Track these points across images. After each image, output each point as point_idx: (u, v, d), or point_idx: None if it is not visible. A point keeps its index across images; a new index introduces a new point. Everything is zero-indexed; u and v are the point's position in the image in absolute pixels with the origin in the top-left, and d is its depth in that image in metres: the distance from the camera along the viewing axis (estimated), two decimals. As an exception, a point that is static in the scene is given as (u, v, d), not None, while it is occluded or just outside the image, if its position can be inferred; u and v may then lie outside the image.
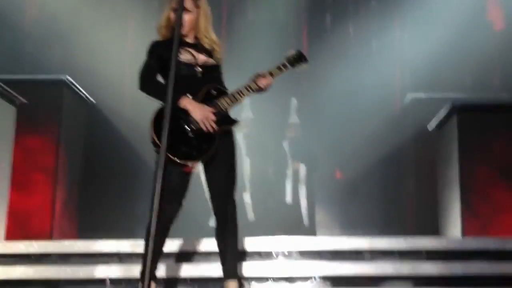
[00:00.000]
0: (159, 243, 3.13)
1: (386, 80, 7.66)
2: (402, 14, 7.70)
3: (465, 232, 4.89)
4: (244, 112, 6.81)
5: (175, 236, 3.53)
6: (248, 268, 3.79)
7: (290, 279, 3.82)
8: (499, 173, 4.96)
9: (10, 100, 4.75)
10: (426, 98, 6.38)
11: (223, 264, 3.20)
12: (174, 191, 3.13)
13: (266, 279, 3.80)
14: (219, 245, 3.23)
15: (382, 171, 7.45)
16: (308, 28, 8.06)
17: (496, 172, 4.96)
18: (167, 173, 2.60)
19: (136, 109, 7.22)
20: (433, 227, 5.71)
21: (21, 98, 4.79)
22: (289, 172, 6.87)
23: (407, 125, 6.81)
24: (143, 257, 3.08)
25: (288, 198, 6.80)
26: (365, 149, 7.45)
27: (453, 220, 5.21)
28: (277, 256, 4.04)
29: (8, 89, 4.62)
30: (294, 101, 7.11)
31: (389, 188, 7.29)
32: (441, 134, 5.69)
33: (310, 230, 6.68)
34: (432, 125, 5.79)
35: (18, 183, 4.95)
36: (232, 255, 3.20)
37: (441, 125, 5.65)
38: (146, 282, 2.55)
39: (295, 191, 6.83)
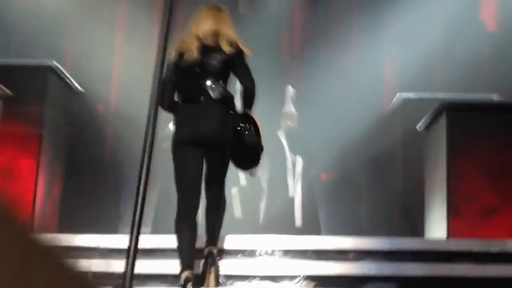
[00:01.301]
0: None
1: (377, 80, 7.64)
2: (394, 13, 7.66)
3: (450, 234, 4.84)
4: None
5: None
6: (231, 266, 3.75)
7: (274, 278, 3.79)
8: (487, 175, 4.92)
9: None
10: (416, 98, 6.34)
11: (208, 233, 3.52)
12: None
13: (250, 277, 3.76)
14: (207, 219, 3.53)
15: (370, 172, 7.45)
16: (299, 30, 8.02)
17: (484, 173, 4.92)
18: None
19: (124, 100, 7.18)
20: (420, 229, 5.68)
21: (7, 90, 4.69)
22: (289, 165, 6.70)
23: (396, 125, 6.78)
24: (178, 248, 3.36)
25: (291, 193, 6.60)
26: (353, 151, 7.42)
27: (439, 222, 5.18)
28: (261, 254, 3.99)
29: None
30: (290, 90, 6.90)
31: (377, 190, 7.27)
32: (430, 134, 5.64)
33: (309, 230, 6.48)
34: (421, 126, 5.73)
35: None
36: (217, 228, 3.55)
37: (430, 125, 5.60)
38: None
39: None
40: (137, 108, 6.95)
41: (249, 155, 3.51)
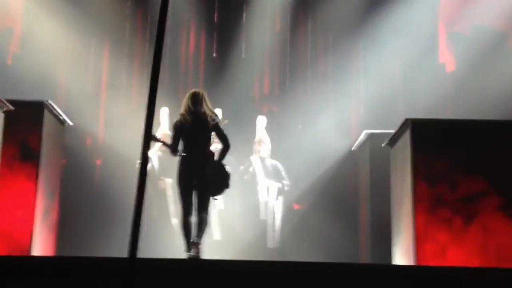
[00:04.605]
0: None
1: (343, 117, 8.05)
2: (358, 55, 8.13)
3: (418, 259, 4.86)
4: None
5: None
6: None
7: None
8: (453, 190, 4.96)
9: (-2, 106, 5.01)
10: (381, 133, 6.44)
11: (197, 232, 5.25)
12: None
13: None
14: (198, 223, 5.24)
15: (337, 203, 7.73)
16: (269, 72, 8.44)
17: (450, 188, 4.96)
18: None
19: (110, 130, 7.68)
20: (388, 256, 5.81)
21: (7, 104, 5.06)
22: (262, 189, 6.98)
23: (363, 159, 7.11)
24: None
25: (263, 215, 6.89)
26: (323, 184, 7.79)
27: (406, 247, 5.24)
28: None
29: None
30: (261, 119, 7.25)
31: (346, 217, 7.54)
32: (394, 150, 5.69)
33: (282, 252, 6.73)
34: (387, 142, 5.83)
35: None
36: (203, 230, 5.26)
37: (395, 142, 5.66)
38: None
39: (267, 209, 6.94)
40: (122, 139, 7.51)
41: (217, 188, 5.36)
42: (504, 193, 4.96)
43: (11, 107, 5.12)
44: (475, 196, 4.96)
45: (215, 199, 5.45)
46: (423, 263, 4.86)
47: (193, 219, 5.27)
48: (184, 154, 5.28)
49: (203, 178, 5.21)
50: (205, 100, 5.36)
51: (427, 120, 5.31)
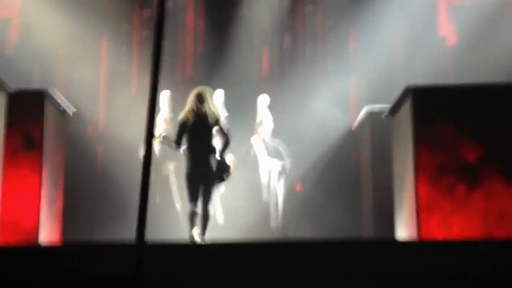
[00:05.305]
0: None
1: (344, 95, 8.00)
2: (357, 31, 8.06)
3: (420, 228, 4.87)
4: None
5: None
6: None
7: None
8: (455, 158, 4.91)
9: (0, 87, 5.05)
10: (382, 109, 6.39)
11: (202, 229, 5.69)
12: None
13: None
14: (202, 218, 5.71)
15: (339, 182, 7.72)
16: (267, 48, 8.39)
17: (452, 156, 4.91)
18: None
19: (112, 117, 7.70)
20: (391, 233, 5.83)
21: (9, 85, 5.05)
22: (264, 171, 7.02)
23: (364, 136, 7.13)
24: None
25: (265, 197, 6.95)
26: (324, 161, 7.79)
27: (408, 219, 5.23)
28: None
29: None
30: (263, 98, 7.27)
31: (348, 196, 7.56)
32: (396, 120, 5.66)
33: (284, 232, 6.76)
34: (387, 112, 5.80)
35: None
36: (206, 227, 5.70)
37: (395, 111, 5.62)
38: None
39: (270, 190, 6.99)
40: (124, 126, 7.52)
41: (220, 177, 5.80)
42: (506, 158, 4.92)
43: (10, 87, 5.11)
44: (478, 163, 4.92)
45: (219, 185, 5.92)
46: (426, 233, 4.85)
47: (199, 210, 5.69)
48: (190, 150, 5.71)
49: (208, 171, 5.66)
50: (208, 99, 5.78)
51: (428, 87, 5.21)
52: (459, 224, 4.86)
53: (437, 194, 4.90)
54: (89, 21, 7.87)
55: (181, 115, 5.79)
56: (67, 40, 7.81)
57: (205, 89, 5.86)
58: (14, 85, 5.45)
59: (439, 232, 4.85)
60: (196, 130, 5.70)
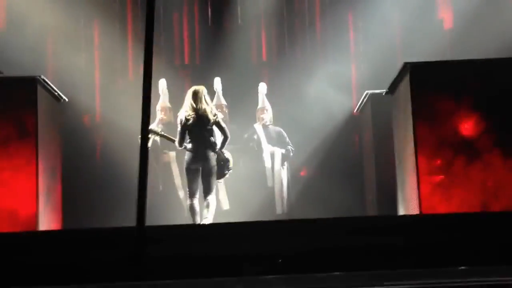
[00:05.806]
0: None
1: (344, 79, 7.99)
2: (355, 15, 8.04)
3: (422, 205, 4.93)
4: (217, 99, 7.08)
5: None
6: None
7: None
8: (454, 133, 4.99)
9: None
10: (382, 92, 6.32)
11: (207, 214, 5.98)
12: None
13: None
14: (206, 206, 5.99)
15: (342, 166, 7.76)
16: (265, 35, 8.34)
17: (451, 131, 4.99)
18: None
19: (107, 105, 7.57)
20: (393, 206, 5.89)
21: None
22: (267, 157, 7.03)
23: (366, 117, 7.10)
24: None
25: (270, 182, 6.96)
26: (326, 146, 7.79)
27: (409, 193, 5.25)
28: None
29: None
30: (262, 86, 7.26)
31: (352, 179, 7.59)
32: (395, 97, 5.69)
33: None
34: (386, 90, 5.82)
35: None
36: (212, 212, 6.01)
37: (394, 88, 5.65)
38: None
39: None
40: (121, 113, 7.40)
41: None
42: (503, 131, 5.01)
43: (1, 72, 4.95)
44: (476, 137, 5.01)
45: (220, 182, 6.36)
46: (427, 207, 4.92)
47: (199, 201, 5.98)
48: (190, 146, 5.98)
49: (207, 165, 5.95)
50: (204, 96, 5.99)
51: (426, 62, 5.29)
52: (459, 198, 4.95)
53: (437, 168, 4.98)
54: (79, 3, 7.69)
55: (181, 114, 5.99)
56: (57, 24, 7.56)
57: (201, 88, 6.05)
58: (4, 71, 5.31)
59: (440, 206, 4.93)
60: (196, 128, 5.95)
